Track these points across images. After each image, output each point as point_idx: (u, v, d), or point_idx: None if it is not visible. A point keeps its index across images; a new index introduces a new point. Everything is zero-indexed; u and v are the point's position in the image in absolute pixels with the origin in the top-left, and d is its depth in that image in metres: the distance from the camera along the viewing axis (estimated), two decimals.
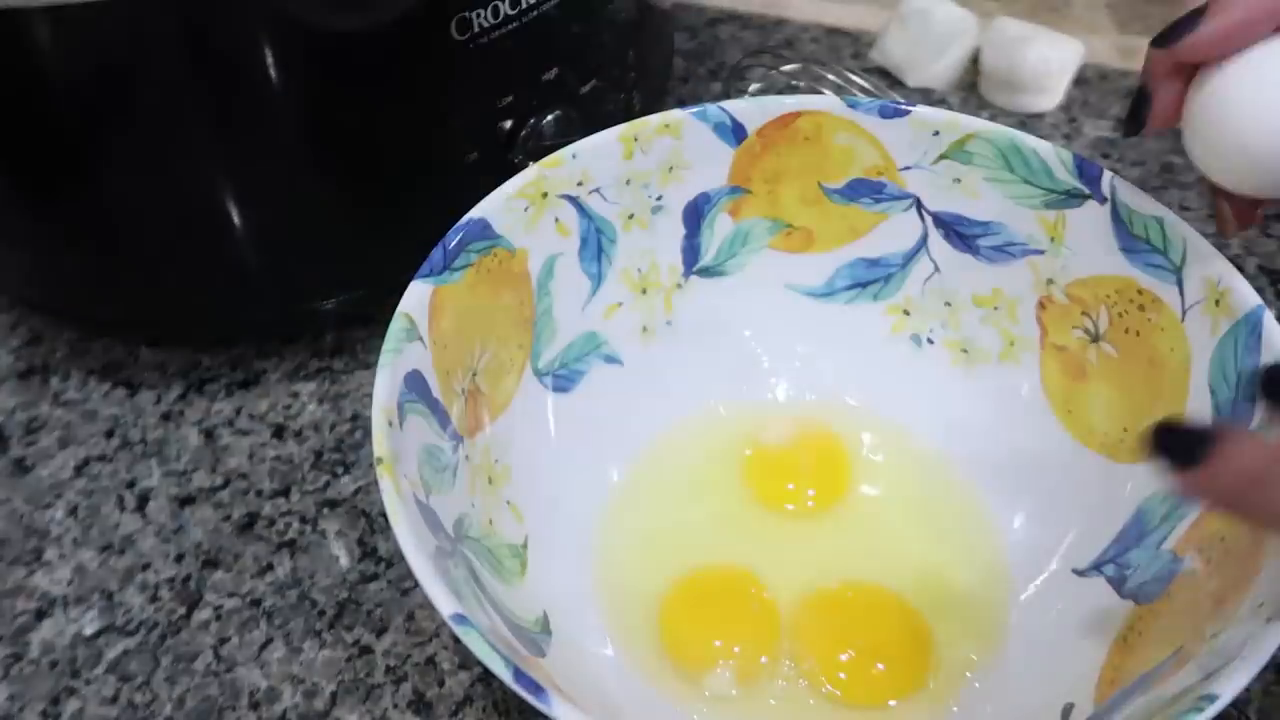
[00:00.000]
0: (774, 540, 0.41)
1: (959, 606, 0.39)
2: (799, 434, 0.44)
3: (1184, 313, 0.36)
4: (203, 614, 0.42)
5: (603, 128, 0.41)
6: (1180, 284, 0.36)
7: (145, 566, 0.43)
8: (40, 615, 0.42)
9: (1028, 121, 0.60)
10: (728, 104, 0.41)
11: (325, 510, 0.45)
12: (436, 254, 0.37)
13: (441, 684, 0.39)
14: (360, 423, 0.48)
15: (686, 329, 0.44)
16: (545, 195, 0.40)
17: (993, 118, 0.50)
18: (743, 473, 0.43)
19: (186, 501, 0.45)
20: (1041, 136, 0.39)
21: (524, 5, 0.42)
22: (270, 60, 0.39)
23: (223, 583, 0.42)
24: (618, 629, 0.39)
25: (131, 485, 0.46)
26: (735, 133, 0.41)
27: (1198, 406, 0.35)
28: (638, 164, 0.41)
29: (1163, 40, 0.32)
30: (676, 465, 0.43)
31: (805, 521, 0.42)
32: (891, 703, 0.37)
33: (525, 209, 0.39)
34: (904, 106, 0.41)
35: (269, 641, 0.41)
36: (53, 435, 0.48)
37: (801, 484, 0.43)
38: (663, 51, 0.57)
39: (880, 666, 0.38)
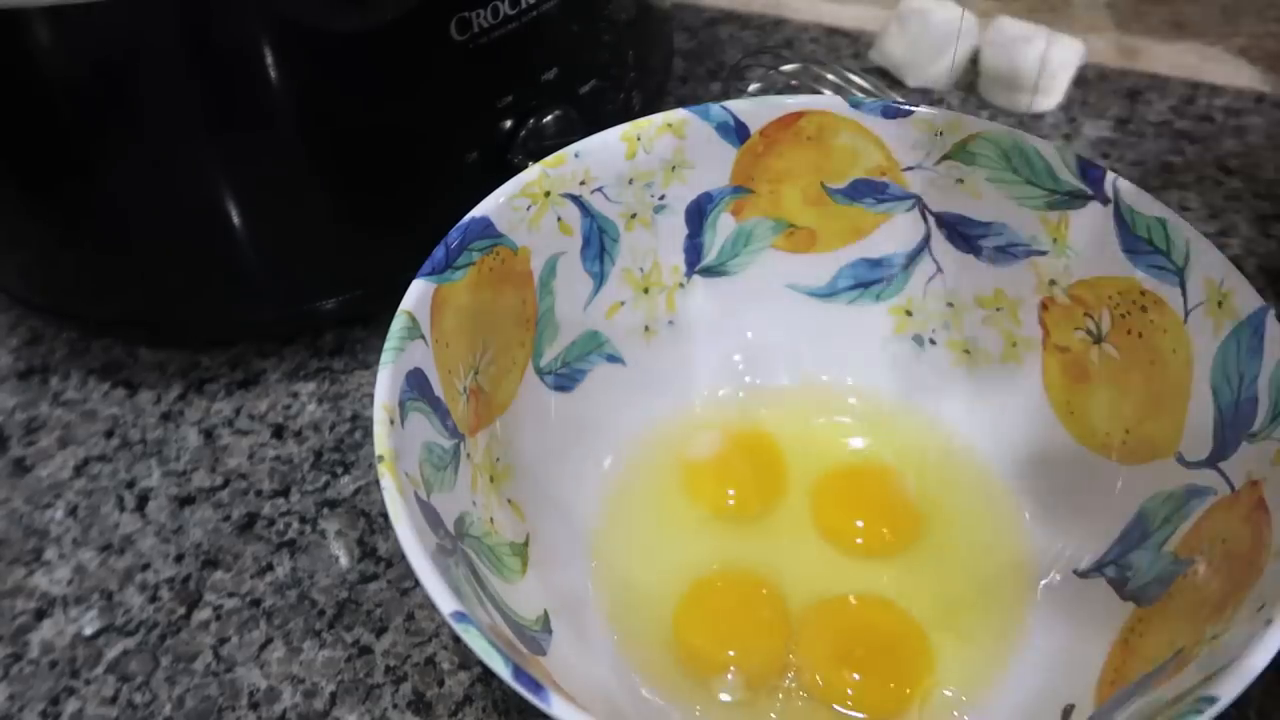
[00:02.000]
0: (775, 540, 0.41)
1: (960, 608, 0.39)
2: (729, 442, 0.44)
3: (1186, 314, 0.36)
4: (202, 614, 0.42)
5: (602, 128, 0.41)
6: (1183, 285, 0.36)
7: (145, 566, 0.43)
8: (40, 615, 0.42)
9: (1027, 121, 0.60)
10: (730, 104, 0.41)
11: (325, 510, 0.44)
12: (438, 253, 0.37)
13: (441, 684, 0.39)
14: (360, 423, 0.48)
15: (689, 328, 0.44)
16: (548, 194, 0.40)
17: (992, 118, 0.50)
18: (683, 487, 0.43)
19: (186, 501, 0.45)
20: (1041, 136, 0.39)
21: (524, 5, 0.42)
22: (270, 60, 0.39)
23: (222, 583, 0.42)
24: (618, 628, 0.39)
25: (131, 485, 0.46)
26: (738, 132, 0.41)
27: (1200, 407, 0.35)
28: (640, 163, 0.41)
29: None
30: (677, 464, 0.43)
31: (806, 521, 0.42)
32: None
33: (528, 208, 0.39)
34: (907, 107, 0.40)
35: (269, 641, 0.41)
36: (52, 435, 0.48)
37: (742, 490, 0.43)
38: (662, 51, 0.57)
39: (881, 681, 0.37)
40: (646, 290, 0.44)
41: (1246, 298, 0.34)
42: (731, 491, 0.42)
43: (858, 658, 0.37)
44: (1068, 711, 0.34)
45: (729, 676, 0.37)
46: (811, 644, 0.38)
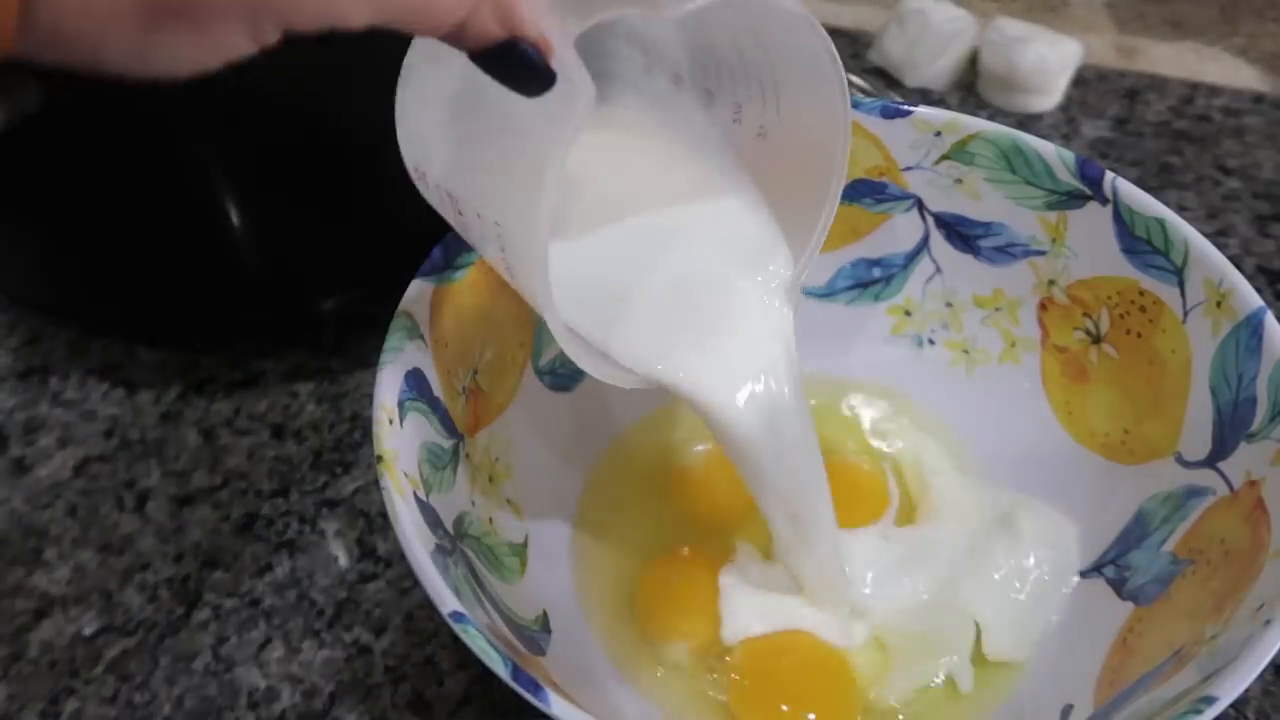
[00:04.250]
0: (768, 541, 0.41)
1: (959, 608, 0.39)
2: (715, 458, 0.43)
3: (1185, 314, 0.36)
4: (201, 614, 0.42)
5: None
6: (1181, 285, 0.36)
7: (144, 566, 0.43)
8: (39, 615, 0.42)
9: (1026, 121, 0.60)
10: None
11: (324, 510, 0.44)
12: (437, 253, 0.37)
13: (440, 684, 0.39)
14: (359, 423, 0.47)
15: None
16: None
17: (991, 118, 0.50)
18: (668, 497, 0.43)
19: (185, 501, 0.45)
20: (1040, 136, 0.39)
21: None
22: (271, 60, 0.39)
23: (221, 583, 0.42)
24: (604, 623, 0.39)
25: (130, 485, 0.46)
26: None
27: (1199, 407, 0.35)
28: None
29: None
30: (669, 468, 0.43)
31: None
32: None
33: None
34: (906, 107, 0.40)
35: (268, 641, 0.41)
36: (52, 435, 0.48)
37: (721, 507, 0.42)
38: None
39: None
40: None
41: (1245, 298, 0.34)
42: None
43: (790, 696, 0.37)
44: (1067, 711, 0.34)
45: (677, 646, 0.38)
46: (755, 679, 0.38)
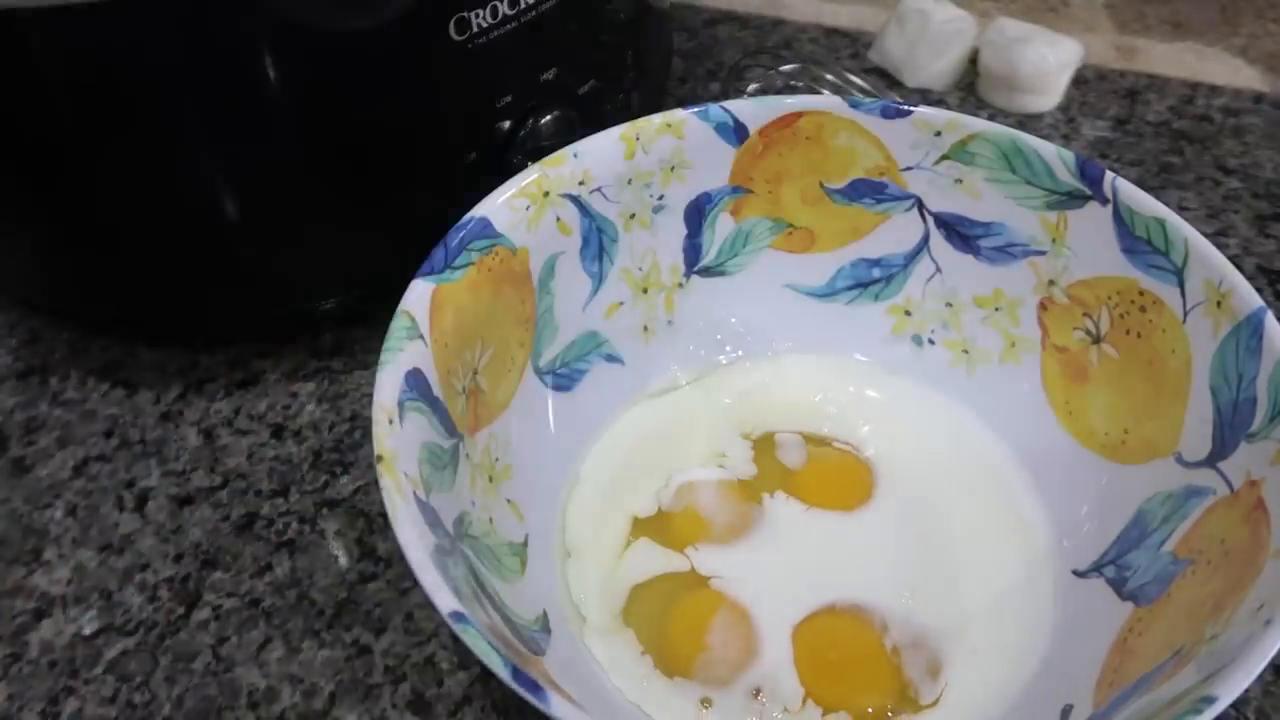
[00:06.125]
0: (766, 543, 0.41)
1: (958, 610, 0.39)
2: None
3: (1185, 314, 0.36)
4: (201, 614, 0.42)
5: (601, 128, 0.41)
6: (1182, 285, 0.36)
7: (144, 566, 0.43)
8: (39, 615, 0.42)
9: (1026, 122, 0.60)
10: (730, 104, 0.41)
11: (324, 510, 0.44)
12: (438, 253, 0.37)
13: (440, 684, 0.39)
14: (359, 423, 0.47)
15: (687, 328, 0.44)
16: (547, 194, 0.40)
17: (991, 118, 0.50)
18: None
19: (185, 501, 0.45)
20: (1040, 136, 0.39)
21: (523, 5, 0.42)
22: (270, 60, 0.39)
23: (221, 582, 0.42)
24: (599, 624, 0.39)
25: (130, 485, 0.46)
26: (737, 132, 0.41)
27: (1199, 407, 0.36)
28: (639, 163, 0.41)
29: None
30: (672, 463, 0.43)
31: (798, 523, 0.41)
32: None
33: (527, 208, 0.39)
34: (906, 107, 0.41)
35: (268, 641, 0.41)
36: (52, 435, 0.48)
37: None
38: (661, 51, 0.57)
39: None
40: (645, 290, 0.44)
41: (1245, 298, 0.34)
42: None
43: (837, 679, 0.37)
44: (1067, 711, 0.34)
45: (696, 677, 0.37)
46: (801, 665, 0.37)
